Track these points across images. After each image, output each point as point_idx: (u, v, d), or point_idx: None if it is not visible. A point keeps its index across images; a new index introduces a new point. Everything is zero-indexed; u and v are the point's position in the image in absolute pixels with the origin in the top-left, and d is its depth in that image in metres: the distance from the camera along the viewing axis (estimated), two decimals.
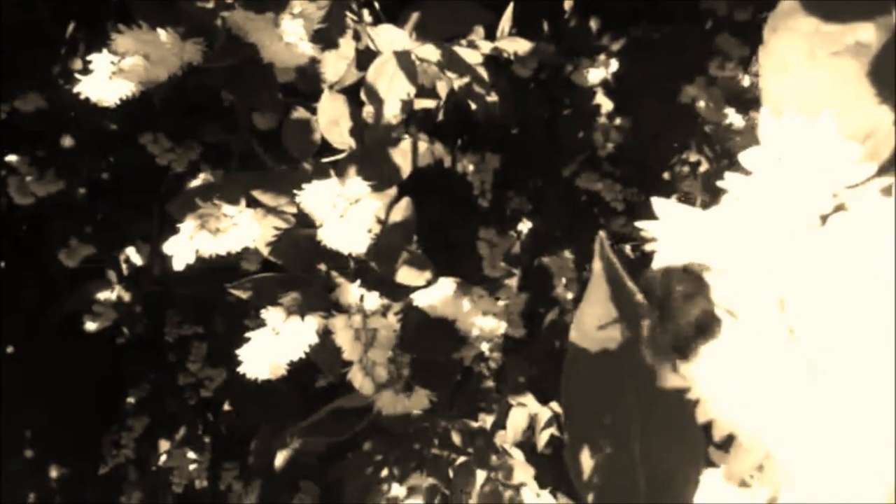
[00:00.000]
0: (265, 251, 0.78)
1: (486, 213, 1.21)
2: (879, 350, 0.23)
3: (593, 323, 0.30)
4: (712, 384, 0.23)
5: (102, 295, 1.39)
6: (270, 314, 0.76)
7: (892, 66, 0.30)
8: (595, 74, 1.11)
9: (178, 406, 1.57)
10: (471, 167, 1.18)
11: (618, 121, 1.12)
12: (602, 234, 0.30)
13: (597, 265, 0.30)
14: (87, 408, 1.61)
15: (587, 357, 0.30)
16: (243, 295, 0.80)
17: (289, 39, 0.73)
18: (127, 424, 1.56)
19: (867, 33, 0.31)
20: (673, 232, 0.28)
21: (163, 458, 1.56)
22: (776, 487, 0.22)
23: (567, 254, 1.22)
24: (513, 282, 1.25)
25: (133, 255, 1.37)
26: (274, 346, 0.74)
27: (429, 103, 0.99)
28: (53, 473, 1.69)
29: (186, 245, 0.72)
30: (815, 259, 0.25)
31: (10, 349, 1.64)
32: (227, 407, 1.55)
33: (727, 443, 0.23)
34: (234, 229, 0.75)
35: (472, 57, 0.88)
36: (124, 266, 1.39)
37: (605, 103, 1.13)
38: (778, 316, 0.23)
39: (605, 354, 0.30)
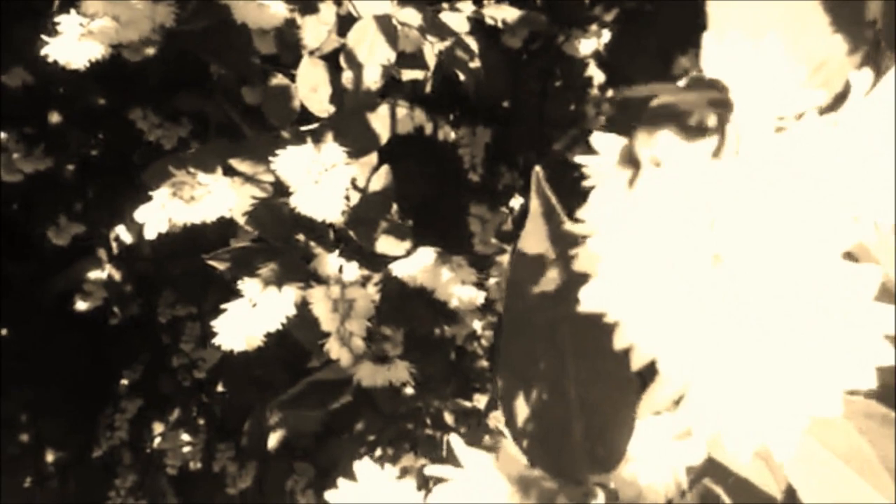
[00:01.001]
0: (242, 221, 0.77)
1: (478, 188, 1.20)
2: (801, 282, 0.21)
3: (533, 263, 0.29)
4: (631, 308, 0.21)
5: (93, 274, 1.38)
6: (247, 285, 0.75)
7: None
8: (587, 45, 1.09)
9: (172, 387, 1.56)
10: (462, 141, 1.16)
11: (609, 93, 1.11)
12: (538, 169, 0.28)
13: (534, 202, 0.29)
14: (81, 390, 1.61)
15: (525, 300, 0.29)
16: (220, 266, 0.79)
17: (261, 0, 0.72)
18: (120, 406, 1.56)
19: None
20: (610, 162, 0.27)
21: (157, 440, 1.56)
22: (693, 421, 0.21)
23: None
24: (504, 258, 1.24)
25: (123, 233, 1.37)
26: (251, 317, 0.74)
27: (417, 74, 0.98)
28: (49, 457, 1.70)
29: (159, 213, 0.71)
30: (750, 184, 0.24)
31: (3, 331, 1.64)
32: (220, 388, 1.55)
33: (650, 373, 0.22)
34: (209, 197, 0.74)
35: (456, 22, 0.87)
36: (114, 244, 1.38)
37: (596, 75, 1.11)
38: (705, 241, 0.22)
39: (542, 297, 0.28)
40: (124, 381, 1.59)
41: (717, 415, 0.20)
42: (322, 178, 0.69)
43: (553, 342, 0.28)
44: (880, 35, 0.29)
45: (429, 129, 0.91)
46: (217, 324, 0.73)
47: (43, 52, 0.70)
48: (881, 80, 0.25)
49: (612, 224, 0.24)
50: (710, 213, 0.22)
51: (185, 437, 1.58)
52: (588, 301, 0.22)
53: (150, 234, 0.71)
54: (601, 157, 0.28)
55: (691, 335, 0.21)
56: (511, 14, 1.00)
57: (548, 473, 0.27)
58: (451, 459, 0.30)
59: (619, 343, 0.21)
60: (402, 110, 0.82)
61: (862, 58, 0.29)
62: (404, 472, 1.35)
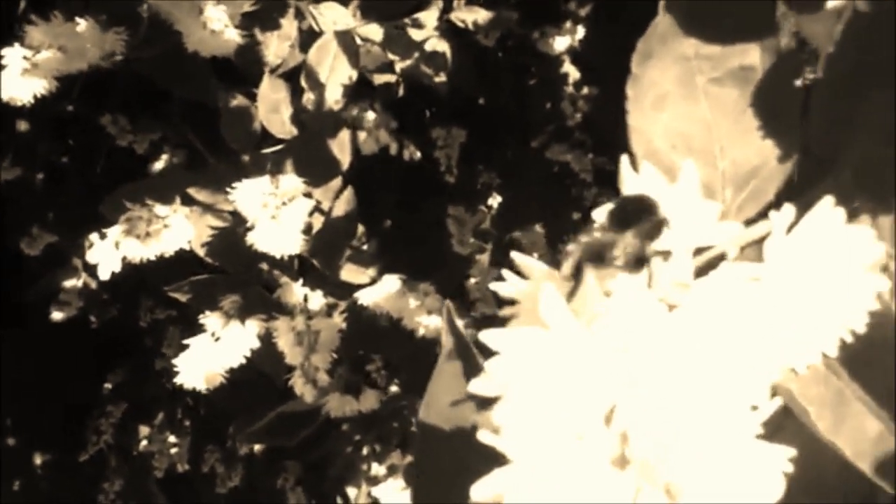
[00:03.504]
0: (201, 252, 0.75)
1: (454, 189, 1.18)
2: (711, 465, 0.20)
3: (446, 400, 0.27)
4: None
5: (69, 283, 1.37)
6: (209, 320, 0.74)
7: (778, 93, 0.27)
8: (561, 42, 1.07)
9: (156, 391, 1.56)
10: (438, 142, 1.14)
11: (585, 90, 1.08)
12: (449, 303, 0.27)
13: (446, 340, 0.28)
14: (65, 394, 1.61)
15: (440, 436, 0.27)
16: (182, 298, 0.77)
17: (213, 27, 0.70)
18: (105, 410, 1.56)
19: (752, 56, 0.27)
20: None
21: (143, 442, 1.56)
22: None
23: (538, 228, 1.19)
24: (484, 257, 1.23)
25: (97, 241, 1.35)
26: (213, 353, 0.73)
27: (388, 78, 0.95)
28: (38, 461, 1.70)
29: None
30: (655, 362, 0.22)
31: None
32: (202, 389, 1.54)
33: None
34: (166, 232, 0.72)
35: (420, 34, 0.84)
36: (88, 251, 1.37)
37: (572, 72, 1.08)
38: (603, 440, 0.21)
39: (458, 433, 0.27)
40: (107, 385, 1.59)
41: None
42: (280, 213, 0.67)
43: (470, 478, 0.27)
44: (811, 141, 0.27)
45: (393, 149, 0.89)
46: (179, 361, 0.72)
47: None
48: (803, 219, 0.23)
49: (519, 392, 0.22)
50: (610, 401, 0.21)
51: (172, 439, 1.58)
52: (480, 494, 0.21)
53: (103, 274, 0.69)
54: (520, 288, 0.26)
55: None
56: (482, 15, 0.97)
57: None
58: None
59: None
60: (362, 134, 0.79)
61: (793, 166, 0.27)
62: (391, 469, 1.36)
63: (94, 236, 1.38)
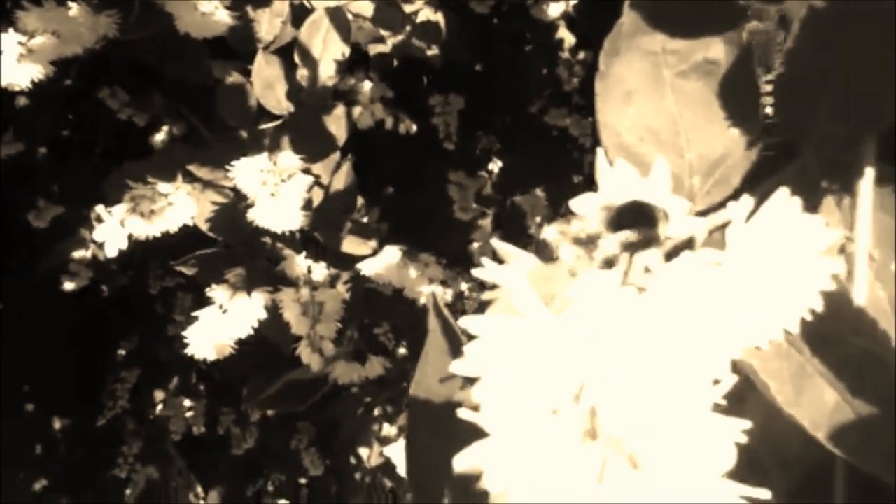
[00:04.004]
0: (205, 227, 0.77)
1: (454, 155, 1.19)
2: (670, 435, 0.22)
3: (435, 376, 0.29)
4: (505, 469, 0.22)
5: (77, 254, 1.39)
6: (216, 292, 0.76)
7: (742, 84, 0.29)
8: (555, 8, 1.07)
9: (169, 356, 1.59)
10: (436, 109, 1.16)
11: (581, 55, 1.09)
12: (434, 291, 0.29)
13: (433, 322, 0.30)
14: (80, 361, 1.65)
15: (430, 409, 0.30)
16: (188, 271, 0.80)
17: (204, 9, 0.71)
18: (120, 376, 1.60)
19: (716, 49, 0.29)
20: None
21: (159, 407, 1.60)
22: None
23: (539, 191, 1.21)
24: (486, 222, 1.25)
25: (103, 212, 1.37)
26: (222, 324, 0.75)
27: (383, 48, 0.96)
28: (57, 426, 1.75)
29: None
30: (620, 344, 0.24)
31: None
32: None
33: None
34: (170, 209, 0.74)
35: (411, 7, 0.85)
36: (95, 223, 1.39)
37: (567, 37, 1.09)
38: (573, 415, 0.23)
39: (445, 407, 0.29)
40: (121, 352, 1.63)
41: None
42: (279, 190, 0.69)
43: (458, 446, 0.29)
44: (774, 129, 0.29)
45: (389, 123, 0.90)
46: (188, 333, 0.75)
47: None
48: (760, 209, 0.25)
49: (494, 373, 0.24)
50: (578, 375, 0.23)
51: (187, 403, 1.62)
52: (461, 464, 0.23)
53: (110, 252, 0.71)
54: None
55: (566, 499, 0.22)
56: None
57: None
58: None
59: (493, 501, 0.22)
60: (357, 109, 0.81)
61: (757, 153, 0.29)
62: (402, 430, 1.39)
63: (99, 208, 1.41)
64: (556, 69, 1.11)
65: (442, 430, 0.29)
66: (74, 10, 0.70)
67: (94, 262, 1.40)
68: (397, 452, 1.15)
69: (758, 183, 0.29)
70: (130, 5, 0.73)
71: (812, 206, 0.30)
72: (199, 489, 1.79)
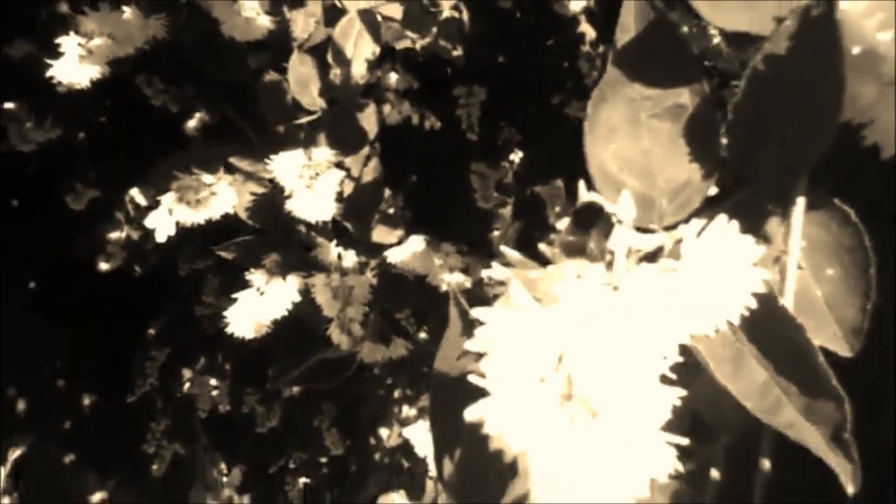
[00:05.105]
0: (244, 216, 0.87)
1: (476, 146, 1.28)
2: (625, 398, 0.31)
3: (453, 354, 0.39)
4: (505, 419, 0.32)
5: (113, 235, 1.50)
6: (254, 276, 0.86)
7: (703, 126, 0.37)
8: (577, 3, 1.15)
9: (197, 336, 1.70)
10: (459, 100, 1.24)
11: (601, 48, 1.17)
12: (456, 284, 0.38)
13: (452, 311, 0.39)
14: (110, 339, 1.76)
15: (449, 380, 0.39)
16: (229, 256, 0.90)
17: (247, 14, 0.80)
18: (150, 355, 1.71)
19: (684, 97, 0.38)
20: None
21: (186, 385, 1.71)
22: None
23: (559, 182, 1.29)
24: (506, 211, 1.33)
25: (137, 195, 1.48)
26: (259, 305, 0.85)
27: (409, 43, 1.05)
28: (86, 402, 1.87)
29: (167, 218, 0.81)
30: (599, 319, 0.34)
31: (32, 284, 1.79)
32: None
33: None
34: (213, 199, 0.84)
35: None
36: (130, 206, 1.49)
37: (588, 31, 1.17)
38: (555, 379, 0.32)
39: (461, 378, 0.39)
40: (151, 332, 1.74)
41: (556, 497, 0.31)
42: (314, 183, 0.79)
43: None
44: (727, 163, 0.37)
45: (416, 119, 0.99)
46: (229, 314, 0.85)
47: (48, 73, 0.79)
48: (708, 226, 0.34)
49: (497, 350, 0.34)
50: (559, 352, 0.32)
51: (213, 381, 1.73)
52: (470, 415, 0.32)
53: (160, 237, 0.81)
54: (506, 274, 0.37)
55: (546, 442, 0.31)
56: None
57: None
58: None
59: (493, 444, 0.32)
60: (387, 107, 0.90)
61: (715, 181, 0.37)
62: (421, 411, 1.49)
63: (134, 191, 1.51)
64: (577, 62, 1.19)
65: (457, 395, 0.39)
66: (128, 13, 0.80)
67: (127, 242, 1.51)
68: (416, 434, 1.21)
69: (718, 205, 0.38)
70: (179, 9, 0.83)
71: (759, 225, 0.39)
72: (223, 465, 1.90)
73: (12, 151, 1.49)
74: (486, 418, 0.32)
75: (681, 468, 0.31)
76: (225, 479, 1.89)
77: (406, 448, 1.52)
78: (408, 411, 1.57)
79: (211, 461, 1.87)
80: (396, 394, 1.59)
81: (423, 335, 1.40)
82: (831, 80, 0.34)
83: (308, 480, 1.85)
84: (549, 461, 0.31)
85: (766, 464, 0.35)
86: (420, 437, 1.18)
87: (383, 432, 1.65)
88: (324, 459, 1.78)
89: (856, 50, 0.34)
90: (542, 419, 0.32)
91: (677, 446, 0.32)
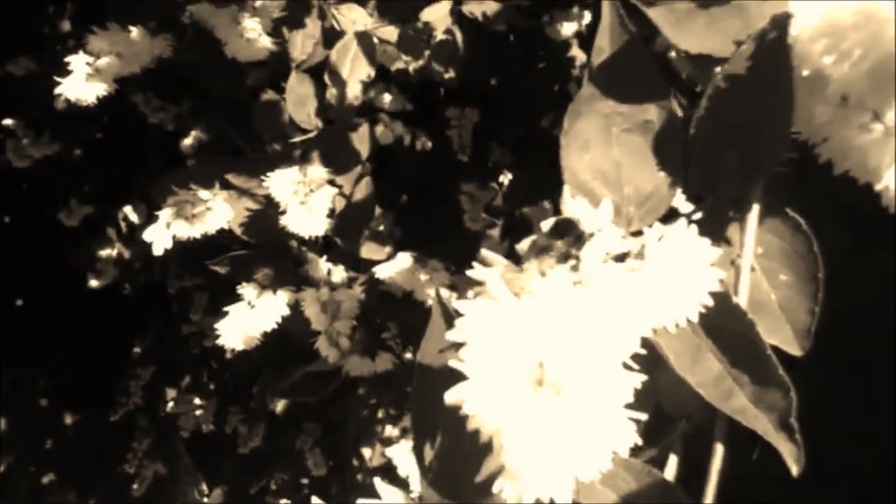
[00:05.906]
0: (238, 231, 0.91)
1: (467, 167, 1.33)
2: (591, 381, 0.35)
3: (436, 348, 0.43)
4: (481, 400, 0.36)
5: (104, 252, 1.54)
6: (245, 290, 0.89)
7: (670, 140, 0.42)
8: (568, 27, 1.20)
9: (183, 355, 1.73)
10: (451, 122, 1.29)
11: None
12: (439, 287, 0.42)
13: (435, 308, 0.43)
14: (96, 357, 1.79)
15: (431, 372, 0.43)
16: (222, 270, 0.93)
17: (249, 36, 0.85)
18: (134, 373, 1.74)
19: (652, 113, 0.42)
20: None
21: (170, 404, 1.73)
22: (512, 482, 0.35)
23: (546, 204, 1.34)
24: (495, 232, 1.38)
25: (130, 213, 1.52)
26: (249, 318, 0.88)
27: (402, 65, 1.10)
28: (68, 420, 1.89)
29: (164, 232, 0.85)
30: (570, 311, 0.38)
31: (18, 302, 1.82)
32: (229, 354, 1.71)
33: None
34: (209, 214, 0.88)
35: (438, 17, 0.98)
36: (123, 224, 1.53)
37: (579, 55, 1.22)
38: (530, 367, 0.36)
39: (442, 369, 0.42)
40: (137, 349, 1.77)
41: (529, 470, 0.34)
42: (308, 199, 0.83)
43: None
44: (690, 178, 0.42)
45: (407, 139, 1.04)
46: (220, 326, 0.88)
47: (56, 91, 0.84)
48: (668, 232, 0.38)
49: (476, 338, 0.38)
50: (532, 340, 0.36)
51: (197, 401, 1.76)
52: (451, 397, 0.36)
53: (157, 251, 0.85)
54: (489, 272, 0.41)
55: (520, 421, 0.35)
56: (491, 7, 1.11)
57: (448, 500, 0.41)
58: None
59: (471, 424, 0.35)
60: (380, 128, 0.94)
61: (680, 189, 0.42)
62: (404, 431, 1.52)
63: (127, 209, 1.55)
64: (567, 85, 1.25)
65: (438, 384, 0.42)
66: (135, 33, 0.85)
67: (118, 260, 1.54)
68: (399, 453, 1.23)
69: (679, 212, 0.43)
70: (183, 29, 0.87)
71: (721, 229, 0.43)
72: (204, 486, 1.92)
73: (6, 167, 1.53)
74: (465, 400, 0.36)
75: (640, 441, 0.35)
76: (206, 499, 1.91)
77: (388, 468, 1.55)
78: (391, 430, 1.59)
79: (192, 482, 1.89)
80: (380, 413, 1.62)
81: (408, 355, 1.44)
82: (783, 98, 0.38)
83: (289, 502, 1.86)
84: (521, 438, 0.35)
85: (720, 447, 0.39)
86: (402, 456, 1.20)
87: (366, 452, 1.68)
88: (305, 480, 1.80)
89: (805, 72, 0.38)
90: (516, 400, 0.36)
91: (643, 434, 0.36)
